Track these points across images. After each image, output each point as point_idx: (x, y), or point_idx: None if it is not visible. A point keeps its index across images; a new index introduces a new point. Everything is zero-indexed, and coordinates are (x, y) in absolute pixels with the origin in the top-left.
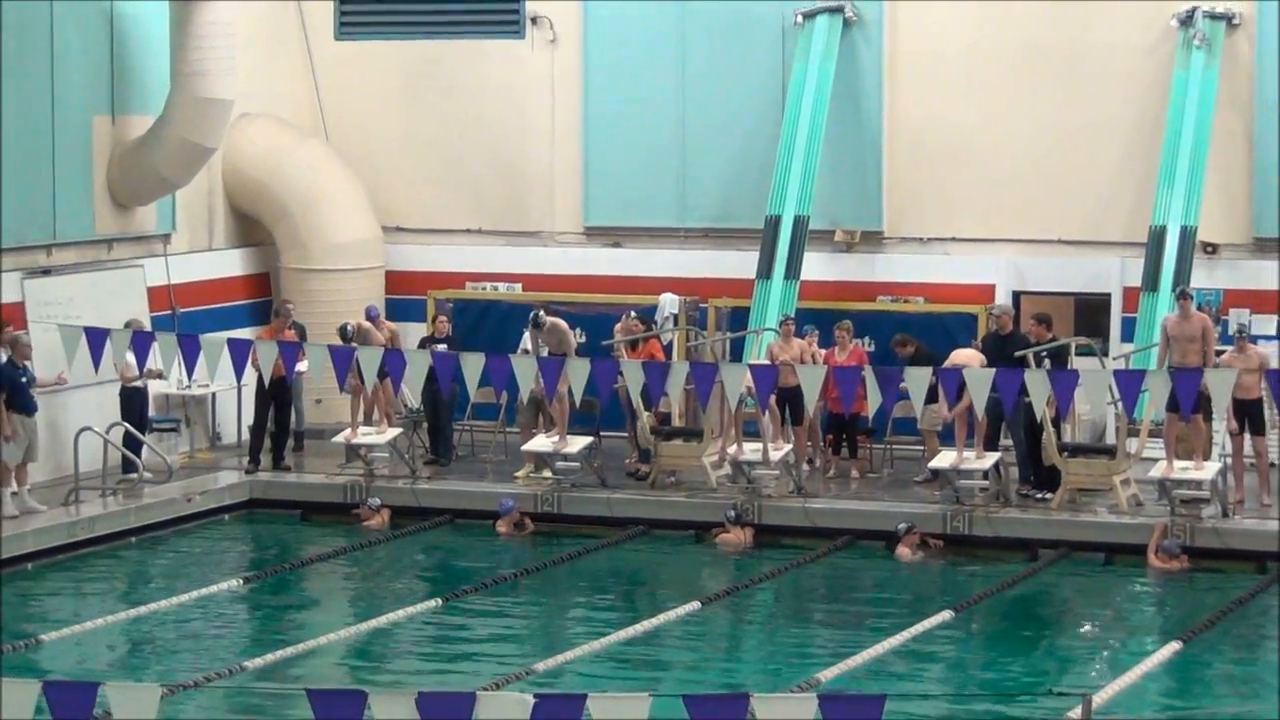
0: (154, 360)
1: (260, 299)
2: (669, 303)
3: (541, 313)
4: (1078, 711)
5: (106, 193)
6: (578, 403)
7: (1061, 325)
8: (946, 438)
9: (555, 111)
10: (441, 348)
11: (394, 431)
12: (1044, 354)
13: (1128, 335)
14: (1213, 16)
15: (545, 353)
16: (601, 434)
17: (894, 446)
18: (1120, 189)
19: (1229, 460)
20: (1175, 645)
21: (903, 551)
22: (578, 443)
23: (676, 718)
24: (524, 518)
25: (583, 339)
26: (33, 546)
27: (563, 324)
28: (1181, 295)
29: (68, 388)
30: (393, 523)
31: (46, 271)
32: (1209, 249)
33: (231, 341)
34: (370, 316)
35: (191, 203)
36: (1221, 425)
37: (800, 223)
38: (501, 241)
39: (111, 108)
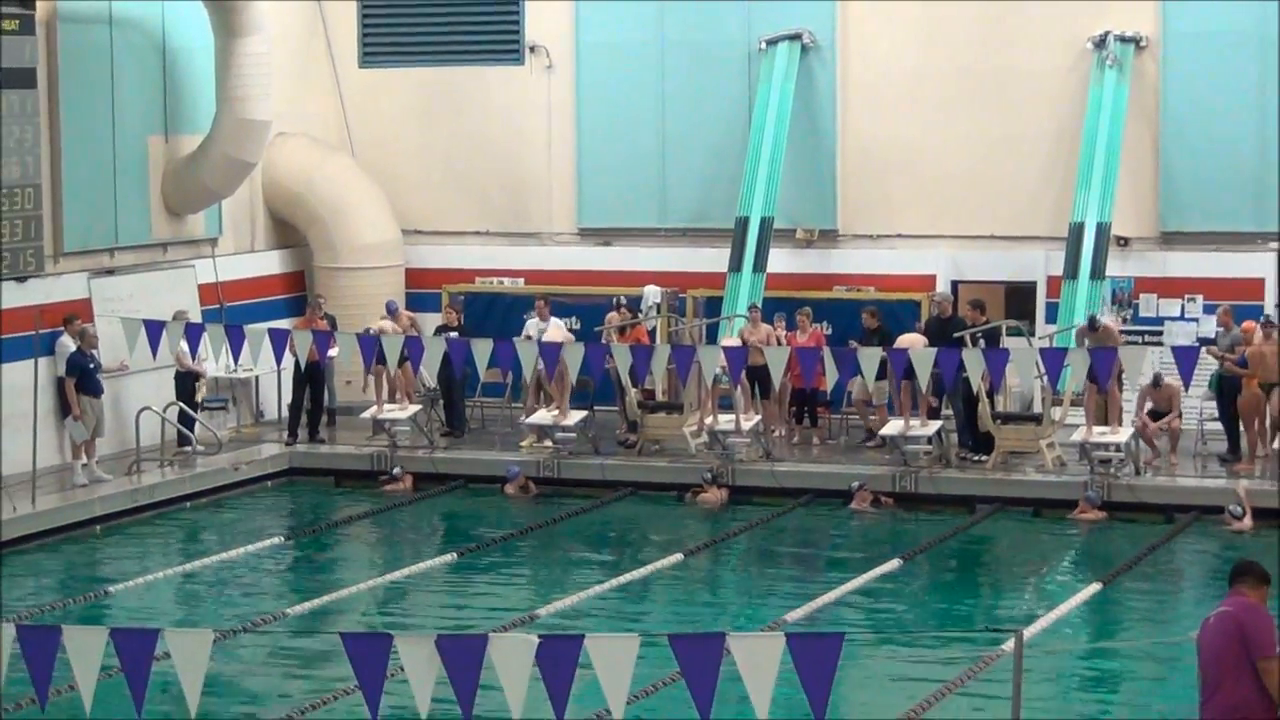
0: (204, 348)
1: (296, 294)
2: (652, 293)
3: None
4: (1010, 645)
5: (161, 202)
6: (574, 381)
7: (994, 310)
8: (893, 408)
9: (551, 128)
10: (454, 335)
11: (414, 408)
12: (979, 335)
13: (1051, 318)
14: (1123, 39)
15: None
16: (595, 408)
17: (849, 416)
18: (1044, 190)
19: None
20: (1096, 586)
21: (857, 506)
22: (574, 416)
23: (662, 655)
24: (528, 482)
25: (577, 326)
26: (100, 511)
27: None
28: (1091, 326)
29: (129, 372)
30: (414, 487)
31: (110, 272)
32: (1121, 242)
33: (271, 331)
34: (390, 310)
35: (235, 211)
36: (1134, 395)
37: (766, 223)
38: (506, 241)
39: (165, 128)
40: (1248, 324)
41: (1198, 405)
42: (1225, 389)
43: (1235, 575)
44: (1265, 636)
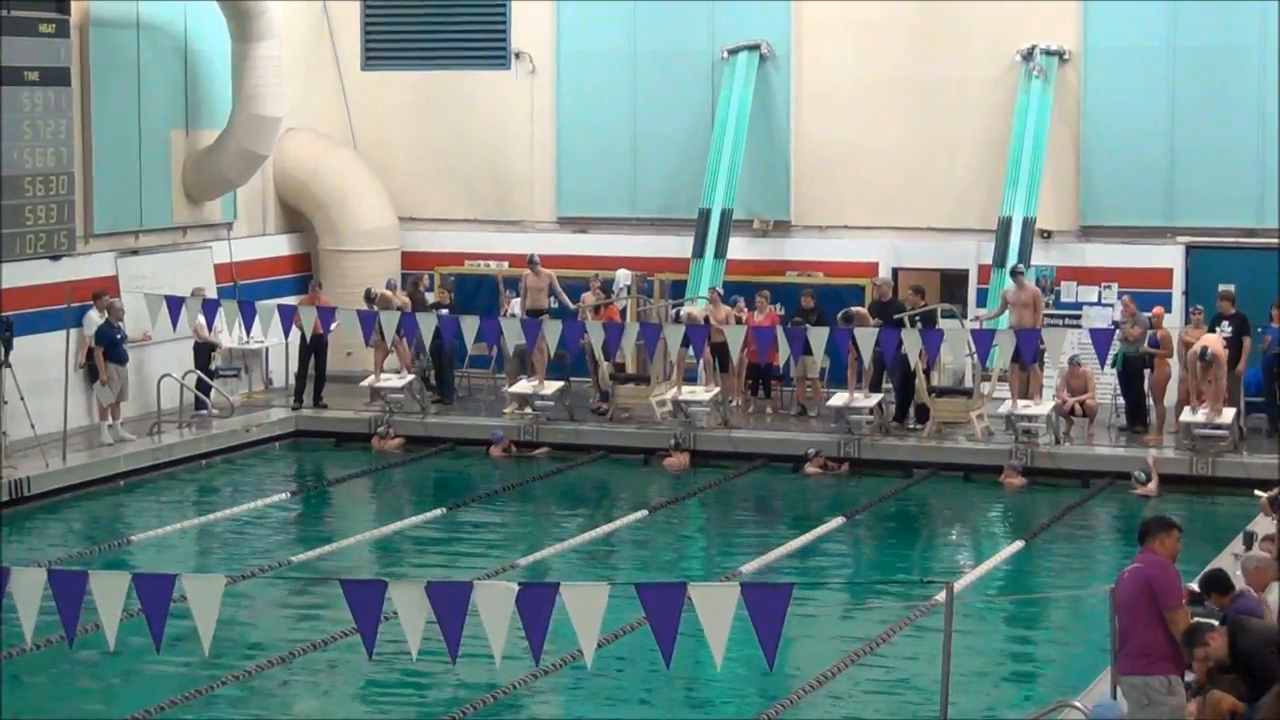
0: (220, 321)
1: (302, 274)
2: (624, 276)
3: (537, 256)
4: (942, 595)
5: (182, 190)
6: (552, 355)
7: (930, 294)
8: (839, 381)
9: (534, 126)
10: (445, 312)
11: (409, 377)
12: (917, 317)
13: (981, 302)
14: (1048, 52)
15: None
16: (571, 379)
17: (805, 386)
18: (975, 187)
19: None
20: (1019, 543)
21: (810, 470)
22: (552, 386)
23: (629, 602)
24: (511, 445)
25: (555, 305)
26: (125, 468)
27: (552, 274)
28: (1014, 272)
29: (152, 343)
30: (406, 449)
31: (135, 252)
32: (1045, 234)
33: (280, 307)
34: (389, 286)
35: (249, 198)
36: (1055, 372)
37: (726, 214)
38: (492, 229)
39: (186, 123)
40: (1157, 309)
41: (1113, 382)
42: (1129, 367)
43: (1145, 534)
44: (1172, 591)
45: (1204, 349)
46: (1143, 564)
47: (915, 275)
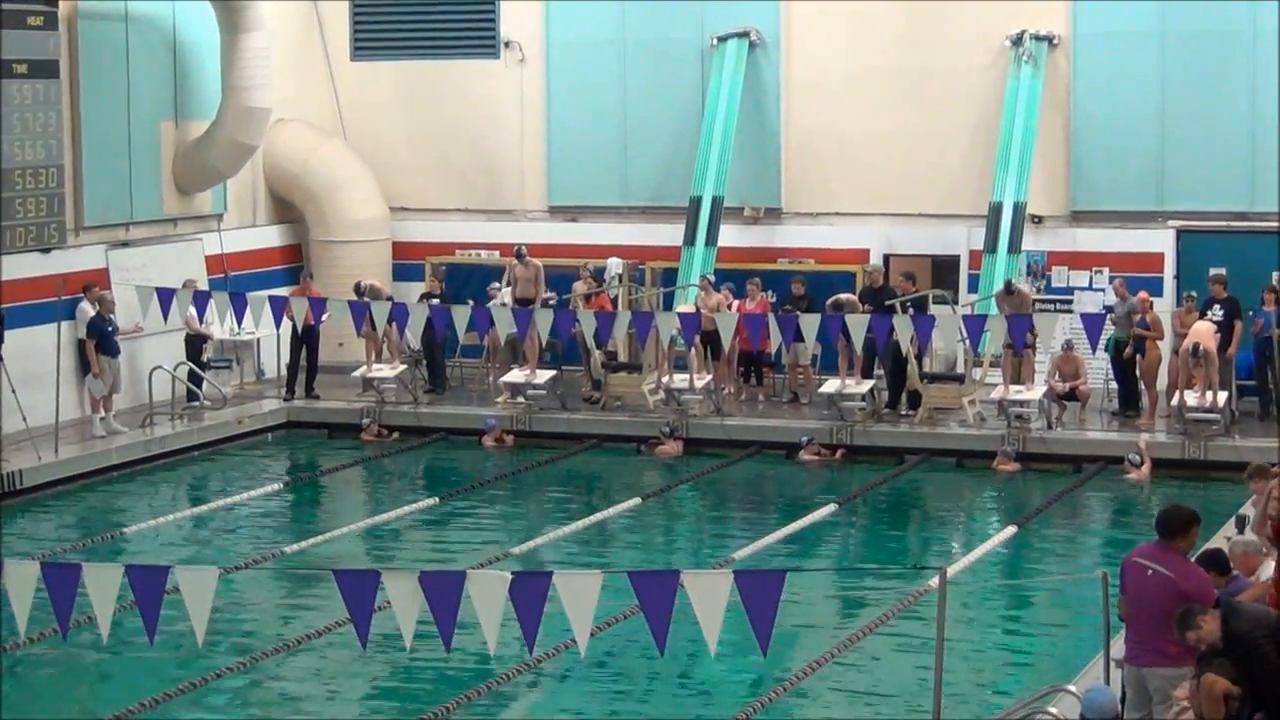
0: (211, 313)
1: (293, 265)
2: (615, 265)
3: (524, 248)
4: (935, 581)
5: (172, 181)
6: (544, 344)
7: (922, 280)
8: (830, 368)
9: (524, 115)
10: (436, 302)
11: (400, 367)
12: (909, 303)
13: (973, 288)
14: (1037, 38)
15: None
16: (563, 368)
17: (797, 375)
18: (966, 173)
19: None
20: (1012, 528)
21: (806, 457)
22: (544, 375)
23: (622, 590)
24: (503, 434)
25: (548, 294)
26: (117, 460)
27: (539, 264)
28: (1007, 288)
29: (143, 335)
30: (398, 439)
31: (126, 244)
32: (1036, 220)
33: (271, 298)
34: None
35: (239, 189)
36: (1047, 357)
37: (717, 201)
38: (483, 218)
39: (175, 115)
40: (1142, 294)
41: (1104, 366)
42: (1121, 351)
43: (1167, 529)
44: (1209, 601)
45: (1195, 345)
46: (1174, 573)
47: (906, 261)
